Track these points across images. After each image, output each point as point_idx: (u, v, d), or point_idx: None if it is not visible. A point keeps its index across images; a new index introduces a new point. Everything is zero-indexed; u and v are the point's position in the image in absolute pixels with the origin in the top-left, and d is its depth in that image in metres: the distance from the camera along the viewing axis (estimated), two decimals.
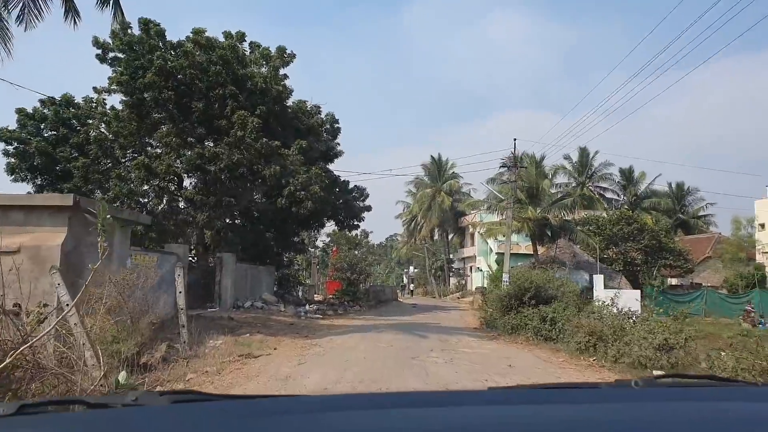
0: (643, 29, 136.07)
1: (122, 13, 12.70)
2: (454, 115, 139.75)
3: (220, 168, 21.50)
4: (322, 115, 26.59)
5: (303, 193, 21.94)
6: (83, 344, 8.88)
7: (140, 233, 23.40)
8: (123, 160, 24.34)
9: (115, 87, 23.56)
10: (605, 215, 49.85)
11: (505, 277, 26.34)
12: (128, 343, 10.37)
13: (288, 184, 22.02)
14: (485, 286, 35.88)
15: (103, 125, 24.31)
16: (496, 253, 51.08)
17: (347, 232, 29.20)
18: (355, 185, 28.59)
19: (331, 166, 27.26)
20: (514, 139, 25.75)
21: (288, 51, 25.78)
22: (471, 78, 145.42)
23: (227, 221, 23.84)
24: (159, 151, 23.66)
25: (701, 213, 63.52)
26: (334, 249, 44.42)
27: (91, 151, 23.48)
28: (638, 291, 24.25)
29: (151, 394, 2.57)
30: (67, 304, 8.89)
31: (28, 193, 23.32)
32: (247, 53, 25.38)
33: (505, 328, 16.39)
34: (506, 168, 27.00)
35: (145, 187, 23.99)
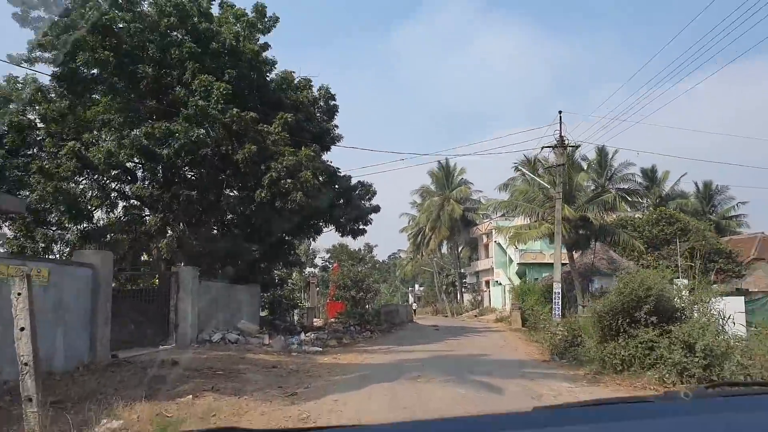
0: (637, 40, 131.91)
1: None
2: (452, 135, 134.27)
3: (174, 150, 15.68)
4: (314, 91, 20.83)
5: (290, 181, 16.07)
6: None
7: (72, 243, 17.68)
8: (55, 151, 18.46)
9: (37, 54, 17.87)
10: (639, 216, 44.18)
11: (557, 287, 20.39)
12: None
13: (269, 170, 16.18)
14: (520, 302, 29.79)
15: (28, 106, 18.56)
16: (518, 264, 45.16)
17: (351, 239, 23.30)
18: (359, 181, 22.71)
19: (327, 157, 21.45)
20: (560, 112, 20.13)
21: (270, 14, 20.10)
22: (466, 97, 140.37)
23: (190, 222, 17.79)
24: (100, 134, 17.88)
25: (732, 213, 58.14)
26: (335, 265, 38.46)
27: (7, 141, 17.71)
28: (741, 299, 18.38)
29: None
30: None
31: None
32: (216, 15, 19.74)
33: (610, 362, 10.40)
34: (551, 149, 21.24)
35: (83, 186, 18.25)
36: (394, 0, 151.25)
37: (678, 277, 30.37)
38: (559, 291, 20.20)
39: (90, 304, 10.60)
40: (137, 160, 17.56)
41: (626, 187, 56.76)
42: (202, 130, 15.60)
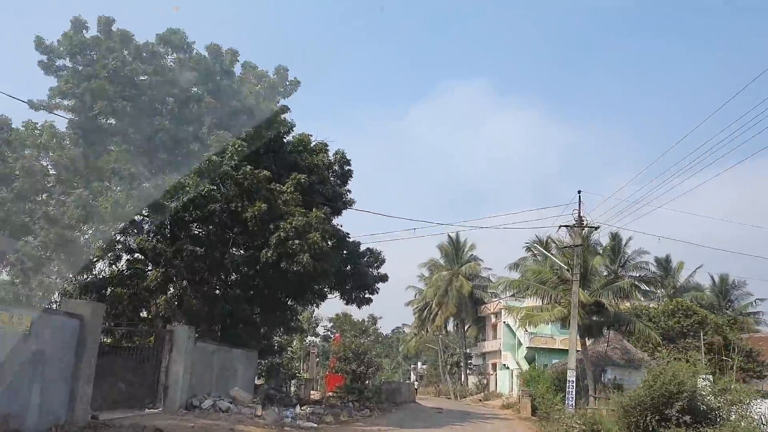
0: (648, 130, 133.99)
1: None
2: (460, 209, 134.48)
3: (183, 204, 15.29)
4: (330, 155, 20.66)
5: (298, 242, 15.52)
6: None
7: (70, 294, 17.03)
8: (62, 197, 18.14)
9: (57, 100, 17.92)
10: (653, 305, 42.79)
11: (571, 374, 19.22)
12: None
13: (278, 230, 15.67)
14: (530, 388, 28.24)
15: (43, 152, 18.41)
16: (527, 347, 43.52)
17: (356, 307, 22.44)
18: (368, 248, 22.14)
19: (338, 221, 20.96)
20: (579, 192, 19.69)
21: (292, 78, 20.24)
22: (475, 174, 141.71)
23: (192, 280, 17.09)
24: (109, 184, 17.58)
25: (750, 309, 56.10)
26: (336, 335, 37.22)
27: (17, 186, 17.44)
28: None
29: None
30: None
31: None
32: (239, 75, 19.92)
33: None
34: (568, 229, 20.65)
35: (87, 236, 17.77)
36: (409, 83, 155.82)
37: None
38: (574, 379, 19.02)
39: (73, 358, 9.83)
40: (145, 213, 17.17)
41: (640, 274, 55.44)
42: (213, 186, 15.26)
